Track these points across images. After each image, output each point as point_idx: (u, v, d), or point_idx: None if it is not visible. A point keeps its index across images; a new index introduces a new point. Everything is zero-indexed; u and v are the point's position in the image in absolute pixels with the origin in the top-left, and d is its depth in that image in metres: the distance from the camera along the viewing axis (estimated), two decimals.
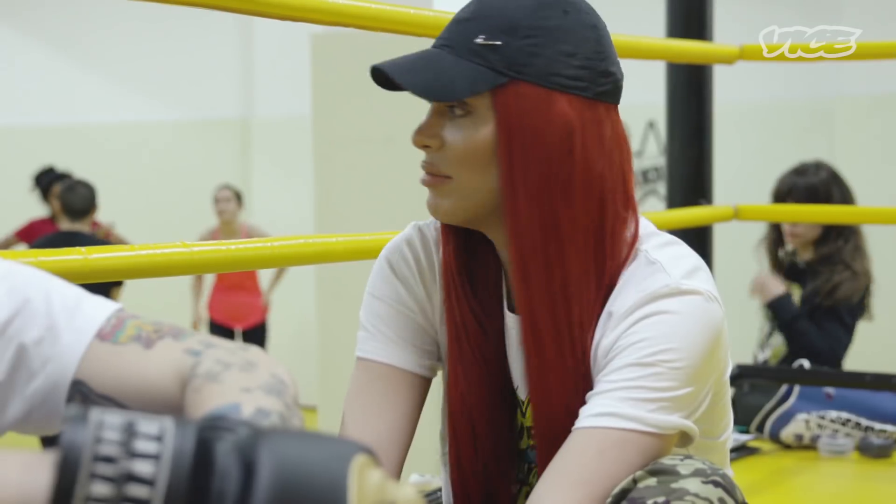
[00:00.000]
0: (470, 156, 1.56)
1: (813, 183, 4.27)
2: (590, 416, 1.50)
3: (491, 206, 1.58)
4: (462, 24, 1.57)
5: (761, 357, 4.24)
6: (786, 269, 4.33)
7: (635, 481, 1.44)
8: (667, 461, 1.45)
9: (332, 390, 4.47)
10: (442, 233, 1.69)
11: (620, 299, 1.55)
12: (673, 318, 1.51)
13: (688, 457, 1.47)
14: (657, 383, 1.49)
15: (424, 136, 1.58)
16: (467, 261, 1.66)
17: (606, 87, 1.58)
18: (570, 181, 1.55)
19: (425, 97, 1.55)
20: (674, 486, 1.41)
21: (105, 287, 5.69)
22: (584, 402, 1.53)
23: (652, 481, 1.42)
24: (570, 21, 1.56)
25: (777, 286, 4.23)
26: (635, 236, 1.59)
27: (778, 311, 4.21)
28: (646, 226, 1.62)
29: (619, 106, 1.63)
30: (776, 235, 4.38)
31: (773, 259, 4.35)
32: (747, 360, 4.10)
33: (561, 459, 1.49)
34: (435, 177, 1.59)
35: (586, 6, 1.61)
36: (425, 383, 1.72)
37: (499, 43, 1.54)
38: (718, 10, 3.86)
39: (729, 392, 1.67)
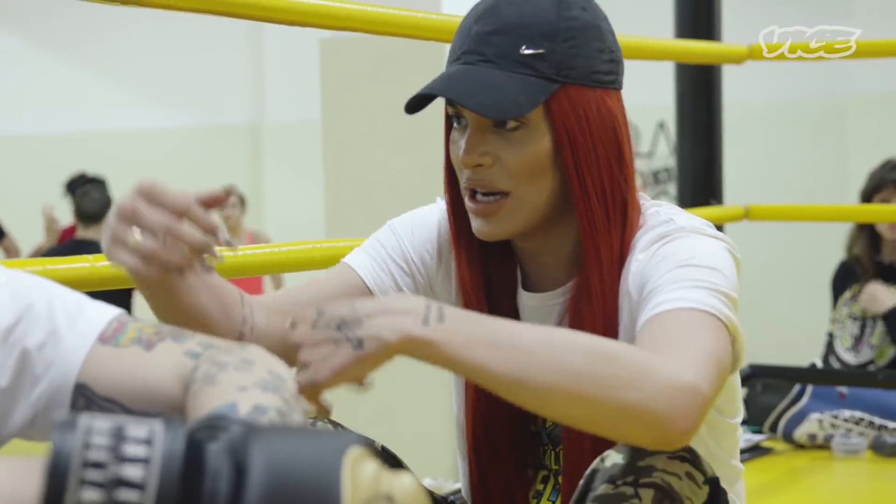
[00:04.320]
0: (529, 167, 1.55)
1: None
2: (649, 310, 1.43)
3: (544, 213, 1.59)
4: (493, 37, 1.55)
5: (854, 360, 4.14)
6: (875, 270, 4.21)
7: (602, 460, 1.43)
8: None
9: (340, 393, 4.46)
10: (454, 245, 1.68)
11: (640, 246, 1.56)
12: (693, 240, 1.51)
13: None
14: (702, 276, 1.44)
15: (476, 156, 1.56)
16: (482, 268, 1.67)
17: (622, 76, 1.63)
18: (624, 167, 1.59)
19: (497, 117, 1.53)
20: (640, 464, 1.41)
21: (125, 293, 5.70)
22: None
23: (619, 459, 1.42)
24: (591, 17, 1.59)
25: (890, 297, 4.11)
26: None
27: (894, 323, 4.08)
28: (645, 197, 1.66)
29: (629, 107, 1.65)
30: (869, 238, 4.22)
31: (869, 264, 4.20)
32: (759, 359, 4.08)
33: (648, 342, 1.38)
34: (491, 198, 1.56)
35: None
36: None
37: (543, 51, 1.54)
38: (726, 9, 3.86)
39: (737, 372, 1.66)
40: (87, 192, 6.32)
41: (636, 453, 1.42)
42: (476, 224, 1.60)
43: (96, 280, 1.83)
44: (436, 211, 1.75)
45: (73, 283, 1.65)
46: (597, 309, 1.58)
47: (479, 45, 1.56)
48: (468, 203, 1.59)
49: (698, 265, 1.46)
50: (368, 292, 1.69)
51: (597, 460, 1.44)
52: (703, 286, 1.43)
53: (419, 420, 3.66)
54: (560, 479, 1.66)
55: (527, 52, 1.54)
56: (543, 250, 1.65)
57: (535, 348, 1.28)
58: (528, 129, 1.55)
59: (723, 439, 1.65)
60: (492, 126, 1.56)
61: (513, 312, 1.68)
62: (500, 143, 1.56)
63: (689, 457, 1.43)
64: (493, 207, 1.57)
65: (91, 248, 5.85)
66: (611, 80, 1.59)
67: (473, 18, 1.59)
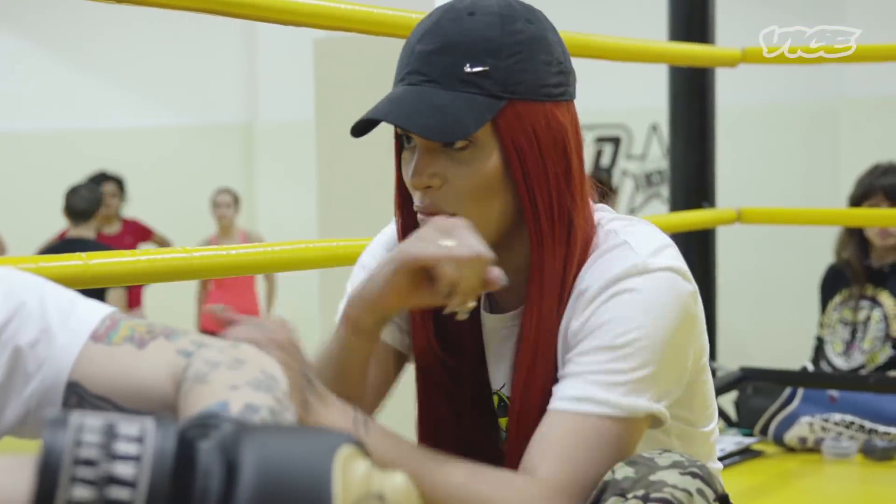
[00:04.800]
0: (478, 187, 1.53)
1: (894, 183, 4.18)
2: (567, 398, 1.51)
3: (498, 231, 1.57)
4: (436, 57, 1.52)
5: (845, 365, 4.13)
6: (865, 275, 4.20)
7: (613, 472, 1.44)
8: (645, 454, 1.46)
9: None
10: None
11: (590, 278, 1.55)
12: (640, 297, 1.52)
13: (666, 450, 1.48)
14: (626, 364, 1.50)
15: (426, 178, 1.54)
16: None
17: (572, 87, 1.60)
18: (569, 181, 1.57)
19: (441, 140, 1.51)
20: (652, 478, 1.41)
21: (100, 290, 5.69)
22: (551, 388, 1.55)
23: (630, 472, 1.43)
24: (537, 29, 1.56)
25: None
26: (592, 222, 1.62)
27: None
28: (610, 212, 1.64)
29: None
30: (858, 243, 4.22)
31: (859, 269, 4.20)
32: (750, 362, 4.08)
33: (545, 439, 1.50)
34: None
35: (536, 10, 1.60)
36: (400, 358, 1.72)
37: (487, 68, 1.51)
38: (720, 12, 3.87)
39: (710, 381, 1.68)
40: (76, 190, 6.31)
41: (648, 467, 1.43)
42: None
43: (89, 278, 1.83)
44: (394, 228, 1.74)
45: (66, 281, 1.65)
46: (538, 328, 1.58)
47: (422, 64, 1.52)
48: (422, 223, 1.56)
49: (628, 348, 1.50)
50: (391, 349, 1.72)
51: (607, 473, 1.45)
52: (617, 381, 1.49)
53: (405, 423, 3.65)
54: None
55: (471, 70, 1.51)
56: (503, 269, 1.64)
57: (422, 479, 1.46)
58: (476, 147, 1.52)
59: (696, 447, 1.65)
60: (440, 146, 1.53)
61: (475, 333, 1.68)
62: (449, 164, 1.53)
63: (701, 473, 1.43)
64: None
65: (82, 246, 5.83)
66: (560, 91, 1.56)
67: (417, 37, 1.55)
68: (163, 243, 7.51)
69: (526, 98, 1.53)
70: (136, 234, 7.43)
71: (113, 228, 7.43)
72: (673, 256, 1.56)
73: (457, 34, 1.52)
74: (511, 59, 1.52)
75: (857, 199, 4.22)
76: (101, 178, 7.50)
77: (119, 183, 7.58)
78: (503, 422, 1.69)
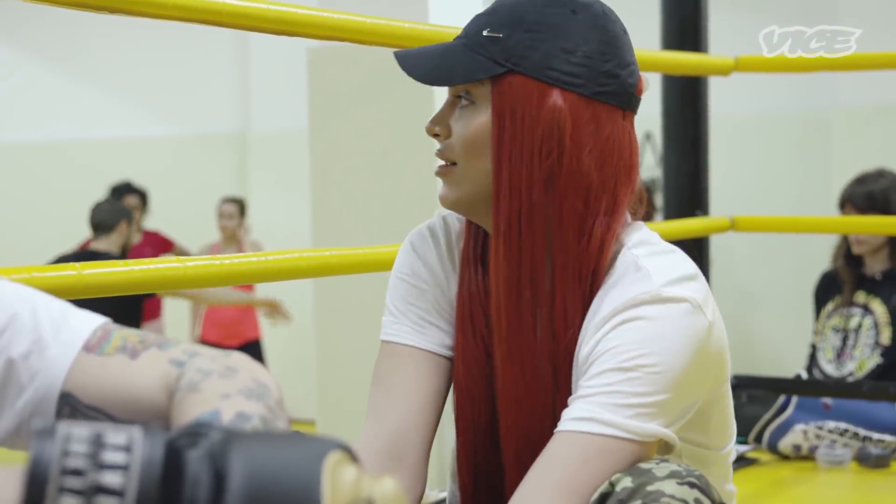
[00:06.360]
0: (470, 142, 1.61)
1: (871, 190, 4.19)
2: (571, 419, 1.50)
3: (475, 191, 1.63)
4: (479, 18, 1.63)
5: (836, 372, 4.13)
6: (857, 282, 4.20)
7: (612, 485, 1.45)
8: (643, 465, 1.46)
9: (330, 404, 4.46)
10: (466, 221, 1.71)
11: (604, 304, 1.55)
12: (652, 324, 1.51)
13: (663, 460, 1.48)
14: (635, 388, 1.49)
15: (433, 125, 1.65)
16: (485, 250, 1.68)
17: (608, 88, 1.60)
18: (555, 174, 1.57)
19: (423, 82, 1.63)
20: (650, 488, 1.41)
21: (137, 299, 5.68)
22: (564, 403, 1.55)
23: (628, 483, 1.43)
24: (576, 20, 1.59)
25: None
26: (613, 241, 1.59)
27: None
28: (645, 235, 1.62)
29: None
30: (850, 251, 4.22)
31: (850, 277, 4.19)
32: (748, 371, 4.08)
33: (545, 465, 1.49)
34: (445, 166, 1.64)
35: (606, 12, 1.63)
36: (450, 365, 1.71)
37: (500, 35, 1.59)
38: (714, 20, 3.87)
39: (731, 404, 1.66)
40: (99, 204, 6.28)
41: (645, 478, 1.43)
42: (439, 190, 1.67)
43: (83, 288, 1.83)
44: (437, 227, 1.75)
45: (60, 291, 1.65)
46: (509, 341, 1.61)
47: (469, 23, 1.65)
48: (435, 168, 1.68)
49: (638, 371, 1.49)
50: (440, 358, 1.71)
51: (605, 484, 1.45)
52: (624, 403, 1.48)
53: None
54: None
55: (487, 34, 1.60)
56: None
57: None
58: (475, 106, 1.61)
59: (712, 468, 1.64)
60: (456, 101, 1.63)
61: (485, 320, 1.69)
62: (455, 117, 1.64)
63: (699, 483, 1.43)
64: (444, 171, 1.65)
65: (95, 258, 5.80)
66: (576, 83, 1.57)
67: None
68: (183, 255, 7.47)
69: (528, 74, 1.58)
70: (157, 245, 7.42)
71: (133, 239, 7.44)
72: (693, 289, 1.54)
73: (504, 4, 1.63)
74: (527, 34, 1.58)
75: (839, 208, 4.26)
76: (124, 190, 7.51)
77: (142, 195, 7.59)
78: None
